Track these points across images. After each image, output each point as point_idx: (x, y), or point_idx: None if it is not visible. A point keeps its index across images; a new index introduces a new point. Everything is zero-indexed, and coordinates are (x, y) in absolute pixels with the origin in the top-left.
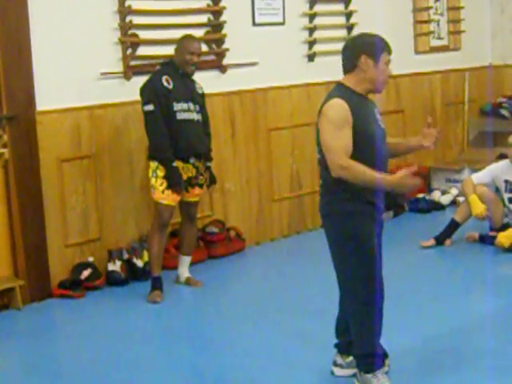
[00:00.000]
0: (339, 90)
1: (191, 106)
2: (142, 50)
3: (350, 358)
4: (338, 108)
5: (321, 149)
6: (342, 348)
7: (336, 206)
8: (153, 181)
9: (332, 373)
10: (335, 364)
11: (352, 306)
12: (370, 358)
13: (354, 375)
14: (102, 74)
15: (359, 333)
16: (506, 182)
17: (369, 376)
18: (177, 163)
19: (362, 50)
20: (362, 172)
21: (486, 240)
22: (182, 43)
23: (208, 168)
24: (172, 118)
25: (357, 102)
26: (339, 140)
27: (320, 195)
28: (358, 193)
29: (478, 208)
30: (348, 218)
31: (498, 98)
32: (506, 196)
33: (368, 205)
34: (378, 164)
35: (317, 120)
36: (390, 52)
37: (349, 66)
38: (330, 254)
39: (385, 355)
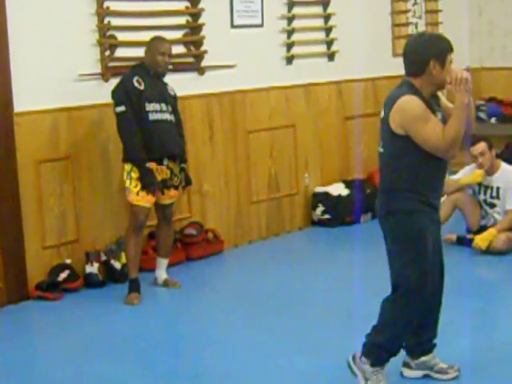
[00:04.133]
0: (409, 87)
1: (163, 106)
2: (121, 52)
3: (423, 358)
4: (417, 101)
5: (386, 145)
6: (409, 350)
7: (398, 204)
8: (127, 183)
9: (401, 374)
10: (404, 364)
11: (399, 299)
12: (383, 351)
13: (425, 376)
14: (81, 75)
15: (390, 325)
16: (480, 184)
17: (370, 369)
18: (150, 165)
19: (430, 54)
20: (455, 133)
21: (463, 242)
22: (152, 44)
23: (183, 169)
24: (144, 119)
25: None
26: (432, 130)
27: (380, 193)
28: (419, 193)
29: (476, 175)
30: (408, 215)
31: (476, 100)
32: (481, 198)
33: (425, 204)
34: (444, 166)
35: (384, 115)
36: (452, 50)
37: (415, 71)
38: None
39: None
